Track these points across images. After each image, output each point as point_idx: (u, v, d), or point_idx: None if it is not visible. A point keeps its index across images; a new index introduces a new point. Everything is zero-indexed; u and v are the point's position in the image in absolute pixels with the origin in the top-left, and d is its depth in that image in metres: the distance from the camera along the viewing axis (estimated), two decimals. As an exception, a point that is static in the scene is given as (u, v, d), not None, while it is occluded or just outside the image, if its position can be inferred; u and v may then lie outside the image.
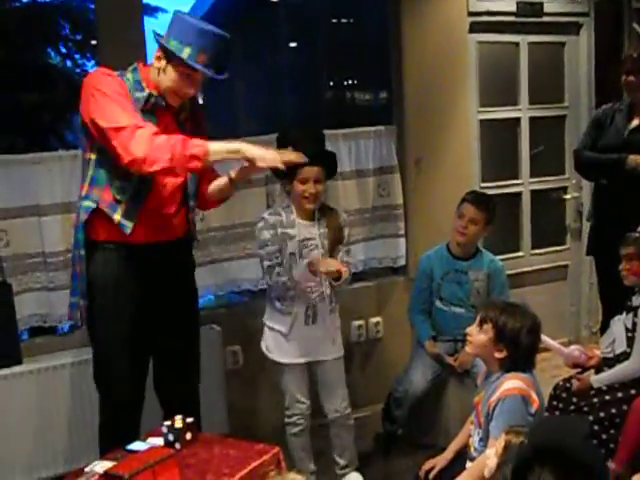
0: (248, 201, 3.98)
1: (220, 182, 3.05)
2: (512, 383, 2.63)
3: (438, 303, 3.87)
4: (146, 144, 2.61)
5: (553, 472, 1.56)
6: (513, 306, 2.78)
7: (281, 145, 3.15)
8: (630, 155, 3.75)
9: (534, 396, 2.64)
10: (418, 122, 4.39)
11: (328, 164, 3.34)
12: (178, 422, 2.63)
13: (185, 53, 2.72)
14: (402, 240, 4.44)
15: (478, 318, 2.78)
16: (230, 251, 4.03)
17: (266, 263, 3.28)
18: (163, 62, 2.79)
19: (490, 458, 2.23)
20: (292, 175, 3.24)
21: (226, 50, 2.82)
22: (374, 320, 4.40)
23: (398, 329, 4.36)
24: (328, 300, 3.34)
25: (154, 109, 2.84)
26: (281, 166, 2.74)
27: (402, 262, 4.46)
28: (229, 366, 3.99)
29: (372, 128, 4.35)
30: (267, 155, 2.72)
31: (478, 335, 2.75)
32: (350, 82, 6.20)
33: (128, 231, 2.80)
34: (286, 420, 3.45)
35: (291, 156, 2.81)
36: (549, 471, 1.57)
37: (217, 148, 2.68)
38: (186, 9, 7.57)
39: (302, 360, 3.37)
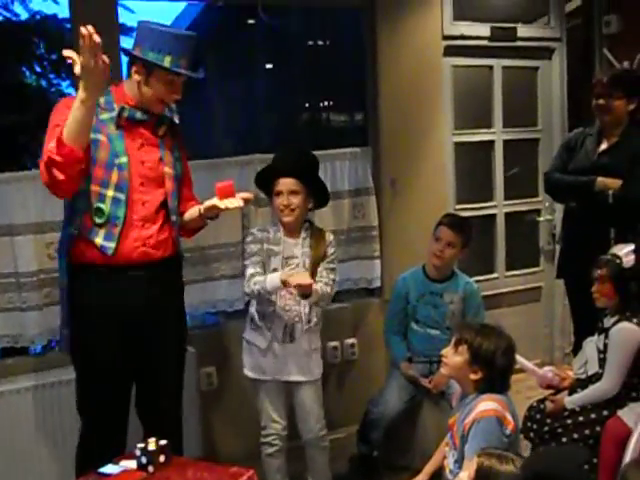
0: (223, 222, 3.95)
1: (193, 212, 3.05)
2: (487, 405, 2.64)
3: (413, 325, 3.87)
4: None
5: None
6: (488, 328, 2.80)
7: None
8: (598, 177, 3.78)
9: (509, 417, 2.65)
10: (393, 144, 4.41)
11: (315, 186, 3.38)
12: (152, 444, 2.59)
13: (167, 62, 2.75)
14: (377, 262, 4.45)
15: (453, 340, 2.79)
16: (205, 272, 4.01)
17: (249, 271, 3.29)
18: (143, 75, 2.81)
19: None
20: (270, 190, 3.30)
21: (198, 49, 2.85)
22: (349, 341, 4.40)
23: (373, 350, 4.35)
24: (305, 319, 3.33)
25: (131, 124, 2.84)
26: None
27: (377, 283, 4.47)
28: (203, 388, 3.96)
29: (347, 150, 4.37)
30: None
31: (453, 357, 2.76)
32: (326, 104, 6.23)
33: (110, 252, 2.79)
34: (261, 440, 3.43)
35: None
36: None
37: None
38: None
39: (278, 377, 3.36)
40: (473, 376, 2.71)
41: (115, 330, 2.84)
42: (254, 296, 3.29)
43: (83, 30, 2.45)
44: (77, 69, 2.52)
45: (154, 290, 2.92)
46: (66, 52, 2.57)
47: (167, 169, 2.95)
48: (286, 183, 3.28)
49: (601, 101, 3.84)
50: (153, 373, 3.00)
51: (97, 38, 2.47)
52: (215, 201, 2.90)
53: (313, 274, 3.31)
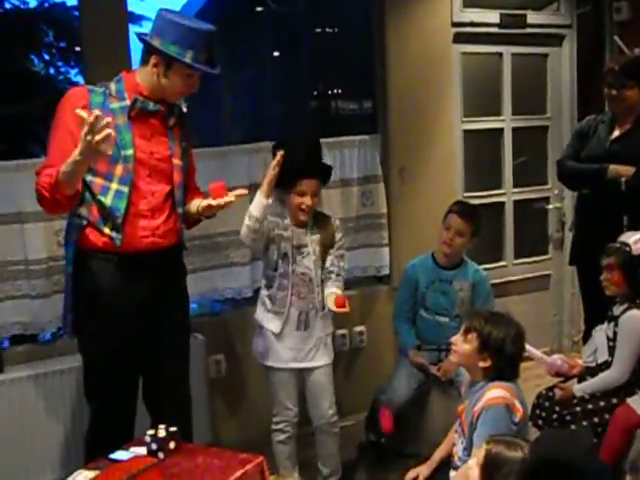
0: (230, 209, 3.95)
1: (192, 207, 3.05)
2: (496, 392, 2.64)
3: (422, 312, 3.87)
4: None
5: None
6: (497, 315, 2.79)
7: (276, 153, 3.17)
8: (611, 165, 3.77)
9: (518, 405, 2.64)
10: (402, 132, 4.40)
11: (324, 175, 3.38)
12: (161, 431, 2.61)
13: (189, 57, 2.76)
14: (386, 249, 4.45)
15: (462, 328, 2.79)
16: (213, 260, 4.01)
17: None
18: (162, 67, 2.80)
19: (472, 468, 2.24)
20: (290, 186, 3.28)
21: (215, 44, 2.86)
22: (358, 329, 4.40)
23: (382, 338, 4.36)
24: (319, 306, 3.34)
25: (142, 114, 2.84)
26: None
27: (386, 271, 4.47)
28: (212, 375, 3.97)
29: (356, 137, 4.36)
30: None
31: (462, 344, 2.76)
32: (335, 91, 6.21)
33: (118, 243, 2.80)
34: (273, 427, 3.44)
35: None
36: None
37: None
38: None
39: (292, 365, 3.37)
40: (482, 364, 2.71)
41: (121, 316, 2.84)
42: (249, 234, 3.25)
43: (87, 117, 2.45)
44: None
45: (160, 277, 2.93)
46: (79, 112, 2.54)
47: (176, 161, 2.95)
48: (311, 185, 3.29)
49: (614, 92, 3.81)
50: (158, 359, 3.00)
51: (102, 119, 2.46)
52: (209, 201, 2.92)
53: (323, 261, 3.33)
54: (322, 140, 4.20)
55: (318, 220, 3.41)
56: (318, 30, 6.43)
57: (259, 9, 6.81)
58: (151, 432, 2.61)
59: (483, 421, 2.60)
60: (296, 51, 6.59)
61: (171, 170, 2.93)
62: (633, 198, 3.74)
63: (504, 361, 2.69)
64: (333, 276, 3.36)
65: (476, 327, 2.72)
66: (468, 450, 2.68)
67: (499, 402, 2.61)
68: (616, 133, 3.90)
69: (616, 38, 5.02)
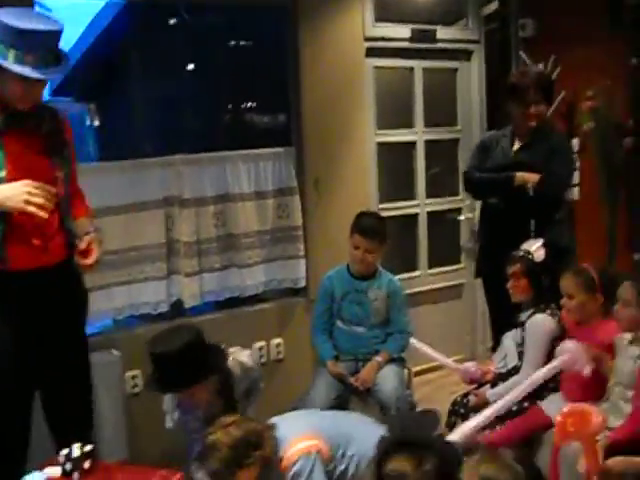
0: (146, 223, 3.94)
1: (80, 227, 2.92)
2: (288, 453, 2.72)
3: (339, 323, 3.90)
4: None
5: (409, 458, 1.80)
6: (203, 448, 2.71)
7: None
8: (517, 172, 3.88)
9: (310, 442, 2.74)
10: (317, 144, 4.44)
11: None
12: (76, 450, 2.55)
13: (10, 59, 2.51)
14: (302, 261, 4.47)
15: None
16: (128, 274, 3.96)
17: None
18: None
19: None
20: None
21: (56, 40, 2.61)
22: (275, 341, 4.41)
23: (300, 350, 4.37)
24: None
25: (8, 129, 2.64)
26: (30, 209, 2.52)
27: (302, 283, 4.49)
28: (129, 391, 3.91)
29: (271, 150, 4.38)
30: (9, 199, 2.52)
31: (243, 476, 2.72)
32: (250, 104, 6.22)
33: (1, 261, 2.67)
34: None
35: (39, 200, 2.57)
36: (405, 458, 1.81)
37: None
38: (81, 29, 7.43)
39: None
40: (251, 471, 2.68)
41: (10, 337, 2.72)
42: None
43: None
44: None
45: (47, 295, 2.80)
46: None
47: (58, 173, 2.79)
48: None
49: (533, 110, 3.86)
50: (52, 379, 2.90)
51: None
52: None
53: None
54: (237, 152, 4.27)
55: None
56: (233, 43, 6.42)
57: (172, 22, 6.76)
58: (65, 451, 2.55)
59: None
60: (211, 64, 6.57)
61: (54, 183, 2.74)
62: (539, 204, 3.84)
63: (261, 454, 2.67)
64: None
65: (219, 473, 2.65)
66: None
67: (293, 460, 2.70)
68: (518, 144, 3.99)
69: (521, 53, 5.19)
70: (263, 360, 4.35)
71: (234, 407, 3.19)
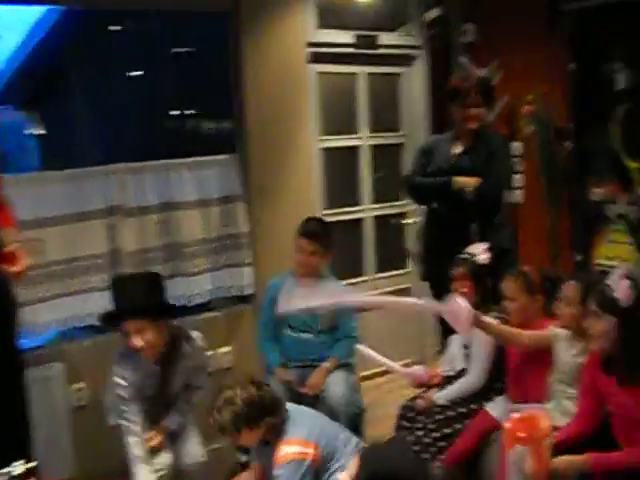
0: (89, 233, 3.88)
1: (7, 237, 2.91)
2: (285, 449, 2.79)
3: (286, 330, 3.88)
4: None
5: None
6: (220, 392, 2.89)
7: None
8: (456, 177, 3.90)
9: (308, 450, 2.78)
10: (261, 151, 4.42)
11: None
12: (18, 468, 2.49)
13: None
14: (249, 269, 4.45)
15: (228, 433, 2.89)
16: (72, 285, 3.89)
17: None
18: None
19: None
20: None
21: None
22: (223, 350, 4.37)
23: (248, 358, 4.33)
24: None
25: None
26: None
27: (250, 290, 4.46)
28: (74, 404, 3.83)
29: (215, 157, 4.35)
30: None
31: (246, 439, 2.89)
32: (193, 111, 6.18)
33: None
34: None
35: None
36: None
37: None
38: (20, 37, 7.29)
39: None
40: (262, 432, 2.85)
41: None
42: None
43: None
44: None
45: None
46: None
47: None
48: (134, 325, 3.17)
49: (473, 112, 3.92)
50: None
51: None
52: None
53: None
54: (182, 160, 4.23)
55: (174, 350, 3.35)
56: (175, 50, 6.37)
57: (113, 29, 6.67)
58: (6, 470, 2.48)
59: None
60: (153, 71, 6.50)
61: None
62: (479, 207, 3.88)
63: (263, 416, 2.82)
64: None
65: (225, 426, 2.82)
66: None
67: (288, 459, 2.76)
68: (459, 148, 4.03)
69: (463, 58, 5.25)
70: (211, 369, 4.29)
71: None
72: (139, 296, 3.17)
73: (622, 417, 2.68)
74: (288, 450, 2.77)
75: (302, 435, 2.83)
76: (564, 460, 2.61)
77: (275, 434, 2.84)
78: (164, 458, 3.28)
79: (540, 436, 2.57)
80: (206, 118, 4.96)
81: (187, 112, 5.90)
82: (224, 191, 4.34)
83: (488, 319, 3.19)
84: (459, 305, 2.96)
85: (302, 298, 3.00)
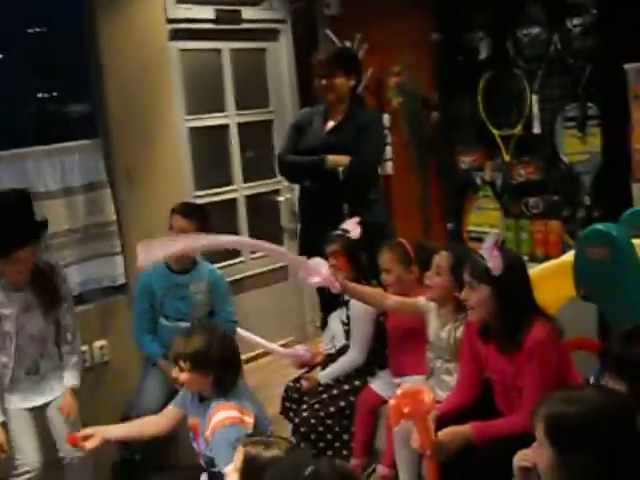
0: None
1: None
2: (221, 414, 2.68)
3: (163, 320, 3.75)
4: None
5: None
6: (193, 331, 2.88)
7: None
8: (328, 156, 3.87)
9: (247, 419, 2.70)
10: (125, 134, 4.24)
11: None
12: None
13: None
14: (119, 258, 4.27)
15: (172, 360, 2.86)
16: None
17: None
18: None
19: (230, 475, 2.23)
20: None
21: None
22: (99, 344, 4.18)
23: (125, 350, 4.17)
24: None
25: None
26: None
27: (122, 280, 4.29)
28: None
29: (76, 143, 4.14)
30: None
31: (182, 375, 2.80)
32: (50, 95, 5.87)
33: None
34: (13, 472, 3.18)
35: None
36: None
37: None
38: None
39: (28, 405, 3.22)
40: (207, 380, 2.76)
41: None
42: None
43: None
44: None
45: None
46: None
47: None
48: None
49: (323, 81, 3.92)
50: None
51: None
52: None
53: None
54: (41, 148, 4.00)
55: (39, 275, 3.27)
56: (27, 30, 6.02)
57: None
58: None
59: (214, 446, 2.64)
60: (5, 53, 6.13)
61: None
62: (351, 187, 3.86)
63: (218, 369, 2.75)
64: (68, 348, 3.39)
65: (180, 353, 2.79)
66: (208, 465, 2.72)
67: (225, 424, 2.65)
68: (330, 124, 4.00)
69: (328, 32, 5.21)
70: (87, 364, 4.11)
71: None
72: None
73: (502, 384, 2.73)
74: (228, 414, 2.67)
75: (243, 404, 2.74)
76: (448, 432, 2.63)
77: (218, 391, 2.75)
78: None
79: (424, 410, 2.57)
80: (65, 102, 4.71)
81: (44, 96, 5.60)
82: (88, 178, 4.14)
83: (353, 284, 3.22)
84: (319, 261, 3.03)
85: (162, 246, 2.92)
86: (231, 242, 3.08)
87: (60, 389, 3.35)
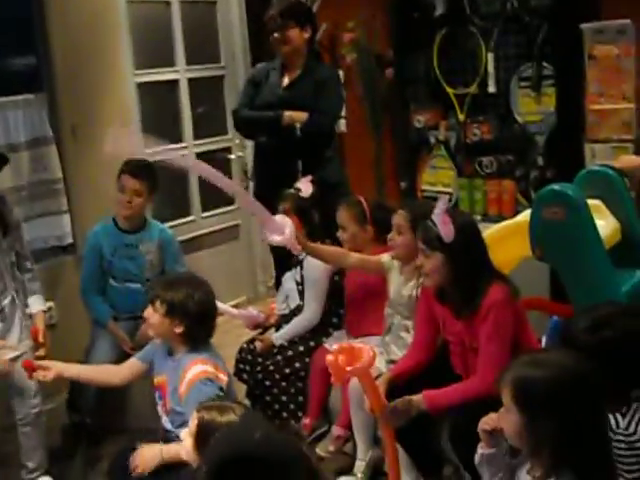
0: None
1: None
2: (197, 368, 2.60)
3: (112, 281, 3.68)
4: None
5: None
6: (179, 278, 2.81)
7: None
8: (285, 112, 3.81)
9: (221, 376, 2.63)
10: (71, 88, 4.08)
11: None
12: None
13: None
14: (66, 216, 4.14)
15: (149, 298, 2.74)
16: None
17: None
18: None
19: (185, 439, 2.18)
20: None
21: None
22: (46, 305, 4.06)
23: (74, 312, 4.06)
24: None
25: None
26: None
27: (69, 240, 4.16)
28: None
29: (20, 97, 3.97)
30: None
31: (153, 316, 2.70)
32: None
33: None
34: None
35: None
36: None
37: None
38: None
39: None
40: (177, 329, 2.66)
41: None
42: None
43: None
44: None
45: None
46: None
47: None
48: None
49: (277, 34, 3.85)
50: None
51: None
52: None
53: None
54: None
55: None
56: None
57: None
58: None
59: (189, 399, 2.54)
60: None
61: None
62: (307, 143, 3.81)
63: (194, 322, 2.66)
64: (29, 275, 3.32)
65: (158, 295, 2.69)
66: (175, 424, 2.63)
67: (201, 377, 2.57)
68: (287, 79, 3.94)
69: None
70: (35, 327, 4.01)
71: None
72: None
73: (459, 345, 2.72)
74: (204, 368, 2.59)
75: (217, 362, 2.68)
76: (402, 401, 2.60)
77: (188, 345, 2.68)
78: None
79: (364, 366, 2.51)
80: (8, 54, 4.51)
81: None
82: (33, 134, 3.98)
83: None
84: (285, 220, 2.99)
85: (134, 144, 2.92)
86: (213, 176, 2.98)
87: (26, 345, 3.21)
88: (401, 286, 3.08)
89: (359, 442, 3.07)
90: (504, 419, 1.86)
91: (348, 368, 2.50)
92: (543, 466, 1.81)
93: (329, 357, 2.56)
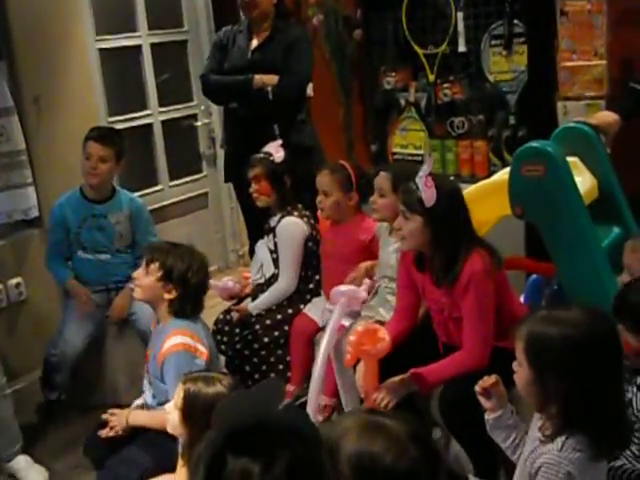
0: None
1: None
2: (175, 339, 2.54)
3: (81, 253, 3.59)
4: None
5: (255, 459, 1.18)
6: (179, 247, 2.72)
7: None
8: (256, 75, 3.73)
9: (201, 348, 2.57)
10: (31, 57, 3.94)
11: None
12: None
13: None
14: (31, 189, 4.00)
15: (144, 261, 2.66)
16: None
17: None
18: None
19: (171, 412, 2.13)
20: None
21: None
22: (14, 281, 3.93)
23: (43, 287, 3.97)
24: None
25: None
26: None
27: (35, 213, 4.02)
28: None
29: (-22, 66, 3.83)
30: None
31: (145, 278, 2.63)
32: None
33: None
34: None
35: None
36: (250, 460, 1.18)
37: None
38: None
39: None
40: (167, 295, 2.60)
41: None
42: None
43: None
44: None
45: None
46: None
47: None
48: None
49: None
50: None
51: None
52: None
53: None
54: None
55: None
56: None
57: None
58: None
59: (166, 371, 2.51)
60: None
61: None
62: (280, 107, 3.75)
63: (189, 292, 2.61)
64: None
65: (158, 258, 2.61)
66: (157, 398, 2.59)
67: (179, 349, 2.52)
68: (255, 42, 3.86)
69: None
70: (3, 304, 3.90)
71: None
72: None
73: (439, 313, 2.68)
74: (182, 340, 2.53)
75: (200, 335, 2.61)
76: (389, 384, 2.56)
77: (175, 312, 2.61)
78: None
79: (382, 350, 2.54)
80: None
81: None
82: (-8, 104, 3.85)
83: None
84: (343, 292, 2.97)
85: None
86: None
87: None
88: (389, 249, 3.04)
89: (348, 402, 3.00)
90: (516, 372, 1.84)
91: (364, 347, 2.54)
92: (553, 424, 1.80)
93: (351, 337, 2.58)
